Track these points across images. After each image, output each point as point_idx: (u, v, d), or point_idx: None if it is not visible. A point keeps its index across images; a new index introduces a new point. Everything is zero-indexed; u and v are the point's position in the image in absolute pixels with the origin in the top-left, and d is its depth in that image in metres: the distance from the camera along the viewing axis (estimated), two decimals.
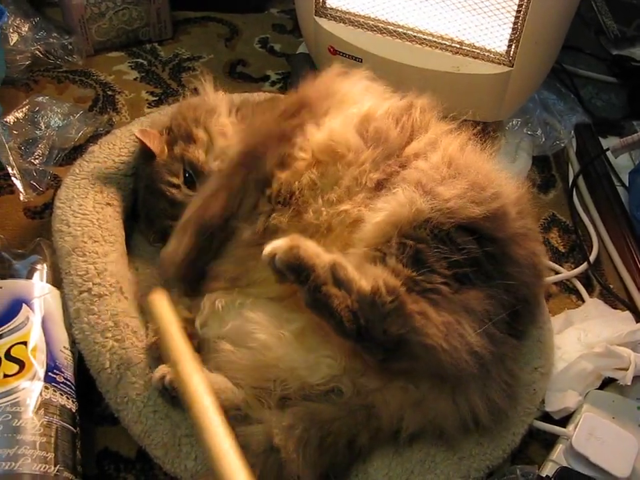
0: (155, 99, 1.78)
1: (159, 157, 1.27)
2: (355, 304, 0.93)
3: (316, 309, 0.95)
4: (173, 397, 1.01)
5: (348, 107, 1.18)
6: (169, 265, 1.12)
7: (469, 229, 1.01)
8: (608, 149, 1.75)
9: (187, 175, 1.24)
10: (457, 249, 0.99)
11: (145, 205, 1.30)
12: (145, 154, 1.30)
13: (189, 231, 1.12)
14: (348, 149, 1.12)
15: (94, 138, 1.58)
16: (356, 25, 1.61)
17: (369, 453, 1.01)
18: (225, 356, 1.07)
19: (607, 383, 1.25)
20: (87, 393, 1.09)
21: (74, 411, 1.03)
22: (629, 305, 1.46)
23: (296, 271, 0.94)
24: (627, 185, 1.72)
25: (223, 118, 1.30)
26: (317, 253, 0.96)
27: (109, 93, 1.78)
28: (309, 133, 1.15)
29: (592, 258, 1.56)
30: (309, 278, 0.94)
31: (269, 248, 0.95)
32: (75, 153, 1.55)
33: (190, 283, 1.16)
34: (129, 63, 1.89)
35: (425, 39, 1.56)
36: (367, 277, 0.96)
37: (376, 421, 1.00)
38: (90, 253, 1.16)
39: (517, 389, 1.08)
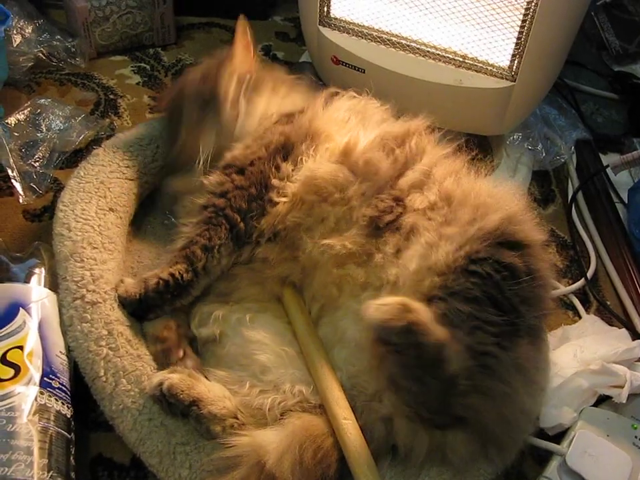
0: (156, 103, 1.77)
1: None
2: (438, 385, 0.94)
3: (405, 382, 0.95)
4: (169, 404, 1.01)
5: (328, 142, 1.18)
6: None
7: (503, 242, 1.01)
8: (608, 166, 1.76)
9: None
10: (502, 270, 0.99)
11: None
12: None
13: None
14: (334, 186, 1.13)
15: (95, 142, 1.58)
16: (359, 36, 1.61)
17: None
18: (221, 378, 1.08)
19: (602, 400, 1.25)
20: (82, 399, 1.09)
21: (69, 416, 1.02)
22: (626, 323, 1.46)
23: (404, 345, 0.92)
24: (626, 202, 1.73)
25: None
26: (430, 321, 0.93)
27: (111, 96, 1.78)
28: (287, 174, 1.16)
29: (589, 274, 1.57)
30: (417, 357, 0.92)
31: (372, 309, 0.92)
32: (75, 156, 1.55)
33: None
34: (131, 67, 1.89)
35: (428, 51, 1.56)
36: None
37: (376, 444, 1.01)
38: (88, 259, 1.15)
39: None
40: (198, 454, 1.01)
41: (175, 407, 1.01)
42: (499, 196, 1.09)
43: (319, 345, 1.11)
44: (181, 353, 1.12)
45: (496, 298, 0.98)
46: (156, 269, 1.14)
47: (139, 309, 1.13)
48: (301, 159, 1.17)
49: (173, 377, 1.03)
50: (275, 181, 1.16)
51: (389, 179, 1.13)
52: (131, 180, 1.34)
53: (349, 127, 1.21)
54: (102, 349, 1.06)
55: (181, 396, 1.00)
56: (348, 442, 0.99)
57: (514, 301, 0.99)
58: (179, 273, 1.11)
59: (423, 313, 0.93)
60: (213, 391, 1.04)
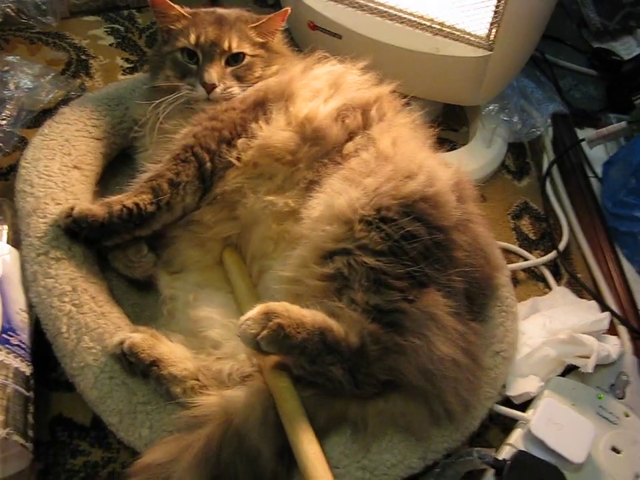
0: (130, 65, 1.75)
1: (255, 30, 1.28)
2: (348, 362, 0.95)
3: (312, 378, 0.96)
4: (130, 363, 1.00)
5: (297, 107, 1.18)
6: None
7: (414, 217, 1.01)
8: (583, 140, 1.76)
9: (241, 57, 1.26)
10: (407, 237, 1.00)
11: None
12: (253, 16, 1.31)
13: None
14: (286, 151, 1.14)
15: (64, 102, 1.54)
16: (336, 1, 1.59)
17: (326, 432, 1.00)
18: (181, 341, 1.08)
19: (569, 370, 1.26)
20: (43, 358, 1.08)
21: (28, 374, 1.01)
22: (595, 295, 1.47)
23: (286, 349, 0.94)
24: (601, 176, 1.73)
25: None
26: (300, 320, 0.94)
27: (83, 57, 1.74)
28: (253, 133, 1.17)
29: (561, 247, 1.57)
30: (302, 354, 0.94)
31: (242, 327, 0.93)
32: (44, 115, 1.51)
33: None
34: (105, 28, 1.85)
35: (405, 18, 1.54)
36: (348, 327, 0.96)
37: (340, 408, 1.00)
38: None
39: (482, 377, 1.09)
40: (159, 414, 1.00)
41: (135, 367, 1.00)
42: (429, 169, 1.08)
43: None
44: (145, 251, 1.15)
45: (400, 253, 1.00)
46: (120, 195, 1.13)
47: (98, 233, 1.10)
48: (272, 117, 1.18)
49: (135, 336, 1.02)
50: (240, 141, 1.17)
51: (336, 143, 1.15)
52: (98, 139, 1.31)
53: (318, 97, 1.21)
54: (65, 305, 1.05)
55: (142, 355, 0.99)
56: (285, 407, 0.97)
57: (418, 258, 1.01)
58: (143, 203, 1.11)
59: (289, 310, 0.94)
60: (175, 352, 1.03)
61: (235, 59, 1.25)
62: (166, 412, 1.00)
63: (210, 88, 1.21)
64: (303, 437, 0.93)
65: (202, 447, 0.91)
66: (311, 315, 0.96)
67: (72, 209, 1.09)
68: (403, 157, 1.10)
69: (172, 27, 1.27)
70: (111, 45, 1.80)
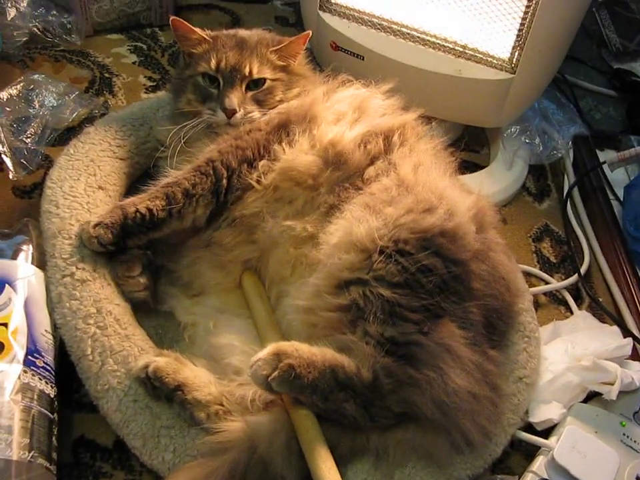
0: (152, 84, 1.76)
1: (276, 53, 1.28)
2: (362, 397, 0.95)
3: (327, 414, 0.97)
4: (154, 387, 1.00)
5: (321, 130, 1.19)
6: None
7: (432, 251, 1.01)
8: (604, 162, 1.75)
9: (262, 82, 1.26)
10: (424, 271, 1.00)
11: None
12: (275, 39, 1.31)
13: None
14: (308, 175, 1.14)
15: (88, 120, 1.56)
16: (359, 22, 1.60)
17: (349, 460, 1.00)
18: (204, 365, 1.09)
19: (592, 397, 1.25)
20: (66, 379, 1.08)
21: (52, 396, 1.01)
22: (617, 320, 1.46)
23: (297, 389, 0.94)
24: (622, 199, 1.72)
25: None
26: (310, 359, 0.95)
27: (106, 75, 1.75)
28: (276, 156, 1.17)
29: (583, 270, 1.56)
30: (314, 393, 0.94)
31: (253, 367, 0.93)
32: (68, 133, 1.53)
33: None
34: (128, 46, 1.87)
35: (428, 40, 1.55)
36: (360, 361, 0.97)
37: (360, 439, 1.00)
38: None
39: (504, 406, 1.09)
40: (183, 438, 1.00)
41: (160, 391, 1.00)
42: (448, 201, 1.08)
43: (279, 336, 1.10)
44: (135, 272, 1.14)
45: (417, 286, 1.00)
46: (133, 197, 1.15)
47: (118, 235, 1.11)
48: (295, 140, 1.18)
49: (159, 360, 1.02)
50: (262, 162, 1.17)
51: (357, 168, 1.16)
52: (122, 159, 1.32)
53: (342, 121, 1.21)
54: (90, 327, 1.05)
55: (166, 379, 1.00)
56: (305, 436, 0.97)
57: (434, 291, 1.01)
58: (156, 209, 1.12)
59: (298, 350, 0.95)
60: (199, 377, 1.03)
61: (255, 83, 1.25)
62: (189, 436, 1.00)
63: (230, 113, 1.21)
64: (323, 465, 0.92)
65: (226, 474, 0.92)
66: (321, 353, 0.96)
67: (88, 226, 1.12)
68: (424, 186, 1.09)
69: (193, 50, 1.28)
70: (134, 63, 1.82)
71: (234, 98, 1.22)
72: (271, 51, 1.27)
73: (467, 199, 1.12)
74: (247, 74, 1.24)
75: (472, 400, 0.98)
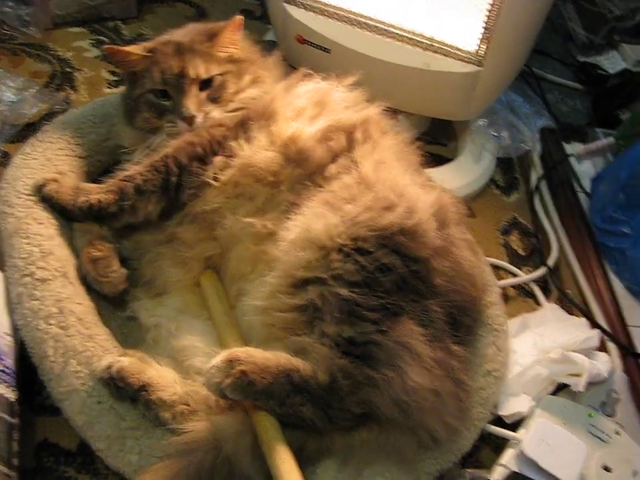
0: (115, 78, 1.73)
1: (217, 47, 1.25)
2: (319, 400, 0.94)
3: (285, 419, 0.95)
4: (118, 388, 0.98)
5: (279, 126, 1.17)
6: None
7: (391, 249, 1.00)
8: (572, 155, 1.76)
9: (211, 79, 1.23)
10: (383, 269, 0.99)
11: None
12: (209, 33, 1.27)
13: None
14: (269, 172, 1.13)
15: (49, 116, 1.53)
16: (326, 15, 1.59)
17: (317, 460, 1.00)
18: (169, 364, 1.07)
19: (560, 389, 1.25)
20: (28, 382, 1.05)
21: (13, 400, 0.98)
22: (585, 312, 1.46)
23: (252, 395, 0.93)
24: (589, 191, 1.73)
25: (267, 80, 1.31)
26: (264, 364, 0.93)
27: (67, 69, 1.72)
28: (233, 152, 1.16)
29: (550, 262, 1.57)
30: (269, 398, 0.93)
31: (207, 375, 0.93)
32: (27, 130, 1.49)
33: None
34: (90, 40, 1.83)
35: (395, 33, 1.54)
36: (317, 363, 0.96)
37: (325, 441, 0.99)
38: (34, 235, 1.11)
39: (470, 401, 1.07)
40: (148, 439, 0.98)
41: (124, 392, 0.98)
42: (409, 199, 1.07)
43: (237, 338, 1.09)
44: (115, 266, 1.13)
45: (375, 285, 0.99)
46: (100, 185, 1.16)
47: (63, 214, 1.15)
48: (253, 136, 1.17)
49: (123, 360, 1.00)
50: (218, 159, 1.15)
51: (319, 165, 1.14)
52: (82, 158, 1.29)
53: (302, 116, 1.20)
54: (51, 328, 1.03)
55: (130, 380, 0.98)
56: (264, 436, 0.95)
57: (393, 289, 0.99)
58: (107, 202, 1.12)
59: (252, 356, 0.94)
60: (164, 377, 1.01)
61: (206, 83, 1.23)
62: (155, 437, 0.98)
63: (190, 121, 1.19)
64: (282, 466, 0.90)
65: (192, 474, 0.90)
66: (275, 358, 0.95)
67: (43, 185, 1.15)
68: (384, 184, 1.08)
69: (135, 70, 1.25)
70: (96, 57, 1.78)
71: (190, 105, 1.19)
72: (209, 46, 1.24)
73: (429, 195, 1.10)
74: (194, 77, 1.21)
75: (434, 397, 0.97)
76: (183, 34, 1.29)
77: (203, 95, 1.22)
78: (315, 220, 1.04)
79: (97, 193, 1.13)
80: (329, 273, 0.99)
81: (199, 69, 1.21)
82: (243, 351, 0.95)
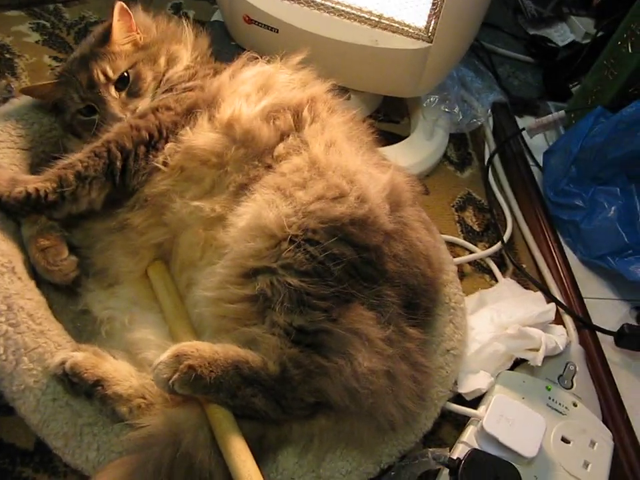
0: (58, 64, 1.67)
1: (114, 43, 1.22)
2: (271, 390, 0.93)
3: (238, 411, 0.94)
4: (73, 383, 0.96)
5: (221, 111, 1.15)
6: None
7: (340, 239, 1.00)
8: (524, 129, 1.77)
9: (124, 76, 1.21)
10: (333, 259, 0.99)
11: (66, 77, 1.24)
12: (103, 32, 1.24)
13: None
14: (212, 153, 1.11)
15: None
16: None
17: (279, 448, 0.99)
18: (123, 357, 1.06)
19: (518, 364, 1.27)
20: None
21: None
22: (540, 285, 1.48)
23: (201, 390, 0.92)
24: (542, 165, 1.74)
25: (184, 54, 1.28)
26: (212, 357, 0.92)
27: (7, 55, 1.66)
28: (183, 137, 1.14)
29: (506, 237, 1.58)
30: (219, 391, 0.92)
31: (155, 371, 0.91)
32: None
33: None
34: (29, 24, 1.77)
35: (343, 10, 1.52)
36: (267, 354, 0.95)
37: (283, 430, 0.99)
38: None
39: (428, 381, 1.08)
40: (106, 435, 0.96)
41: (79, 387, 0.96)
42: (360, 186, 1.05)
43: (188, 330, 1.08)
44: (65, 254, 1.10)
45: (325, 274, 0.98)
46: (35, 176, 1.12)
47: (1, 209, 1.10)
48: (198, 123, 1.15)
49: (77, 355, 0.97)
50: (169, 145, 1.13)
51: (266, 145, 1.12)
52: (25, 150, 1.24)
53: (247, 100, 1.18)
54: (1, 325, 0.99)
55: (85, 375, 0.95)
56: (218, 429, 0.94)
57: (343, 277, 0.99)
58: (45, 191, 1.08)
59: (199, 350, 0.93)
60: (119, 370, 0.99)
61: (121, 82, 1.21)
62: (113, 432, 0.96)
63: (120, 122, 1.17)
64: (237, 458, 0.90)
65: (151, 470, 0.88)
66: (224, 351, 0.94)
67: None
68: (335, 170, 1.06)
69: (56, 99, 1.24)
70: (37, 42, 1.72)
71: (114, 109, 1.19)
72: (107, 45, 1.22)
73: (380, 179, 1.09)
74: (104, 81, 1.19)
75: (387, 381, 0.97)
76: (82, 44, 1.27)
77: (123, 94, 1.21)
78: (266, 208, 1.02)
79: (34, 182, 1.09)
80: (279, 262, 0.99)
81: (106, 71, 1.20)
82: (190, 345, 0.94)
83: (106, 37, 1.23)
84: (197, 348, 0.93)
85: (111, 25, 1.22)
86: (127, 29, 1.24)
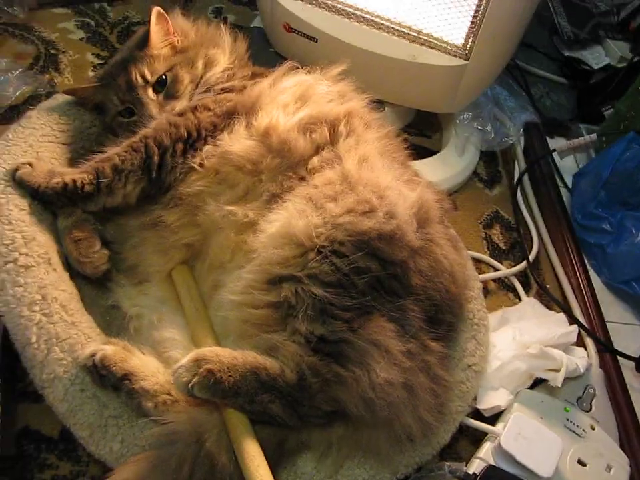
0: (101, 62, 1.71)
1: (152, 47, 1.25)
2: (288, 397, 0.95)
3: (255, 416, 0.96)
4: (101, 376, 0.98)
5: (259, 120, 1.17)
6: None
7: (367, 253, 1.01)
8: (555, 150, 1.77)
9: (162, 78, 1.24)
10: (358, 272, 1.00)
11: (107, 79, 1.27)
12: (141, 36, 1.28)
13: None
14: (247, 160, 1.13)
15: (33, 98, 1.51)
16: (313, 4, 1.58)
17: (299, 451, 1.01)
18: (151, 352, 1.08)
19: (538, 383, 1.27)
20: (10, 368, 1.05)
21: None
22: (563, 307, 1.49)
23: (220, 394, 0.93)
24: (570, 187, 1.75)
25: (221, 58, 1.31)
26: (231, 362, 0.94)
27: (52, 51, 1.69)
28: (220, 142, 1.16)
29: (531, 257, 1.58)
30: (237, 396, 0.94)
31: (175, 374, 0.93)
32: (11, 112, 1.48)
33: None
34: (75, 21, 1.81)
35: (382, 24, 1.54)
36: (285, 361, 0.97)
37: (304, 436, 1.00)
38: (16, 221, 1.09)
39: (447, 395, 1.08)
40: (131, 428, 0.98)
41: (107, 380, 0.98)
42: (389, 202, 1.06)
43: (209, 334, 1.10)
44: (97, 246, 1.13)
45: (350, 286, 1.00)
46: (73, 168, 1.15)
47: (36, 197, 1.13)
48: (235, 129, 1.17)
49: (107, 349, 1.00)
50: (207, 147, 1.16)
51: (301, 157, 1.14)
52: (65, 144, 1.27)
53: (285, 110, 1.19)
54: (35, 315, 1.02)
55: (114, 368, 0.98)
56: (233, 433, 0.96)
57: (367, 290, 1.00)
58: (82, 181, 1.11)
59: (219, 355, 0.95)
60: (147, 366, 1.01)
61: (159, 84, 1.24)
62: (138, 426, 0.98)
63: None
64: (250, 463, 0.91)
65: (173, 467, 0.90)
66: (243, 356, 0.96)
67: (16, 169, 1.12)
68: (366, 185, 1.07)
69: (97, 101, 1.28)
70: (81, 39, 1.76)
71: (151, 110, 1.22)
72: (146, 49, 1.25)
73: (410, 196, 1.10)
74: (142, 83, 1.23)
75: (405, 393, 0.98)
76: (123, 49, 1.31)
77: (160, 96, 1.24)
78: (296, 217, 1.04)
79: (71, 174, 1.12)
80: (305, 271, 1.00)
81: (144, 73, 1.23)
82: (210, 350, 0.96)
83: (144, 40, 1.26)
84: (217, 353, 0.95)
85: (149, 30, 1.25)
86: (164, 33, 1.27)
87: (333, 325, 0.98)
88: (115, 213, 1.18)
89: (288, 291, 1.00)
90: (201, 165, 1.14)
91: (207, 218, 1.13)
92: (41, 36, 1.72)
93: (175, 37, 1.29)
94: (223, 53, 1.32)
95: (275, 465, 0.95)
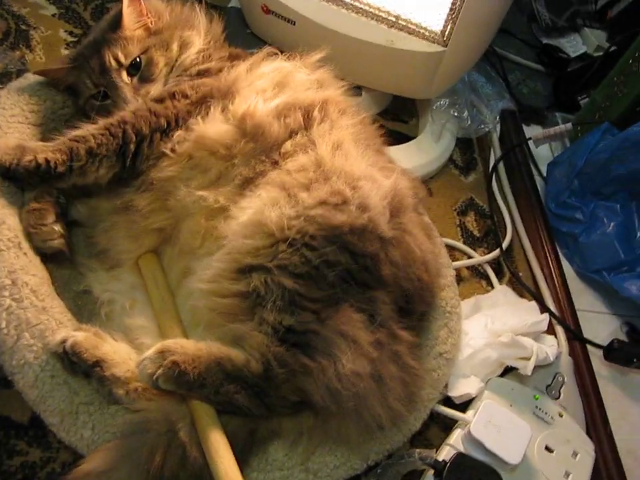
0: (74, 39, 1.67)
1: (125, 29, 1.22)
2: (254, 388, 0.95)
3: (221, 407, 0.96)
4: (72, 362, 0.97)
5: (235, 105, 1.16)
6: None
7: (338, 247, 1.00)
8: (530, 138, 1.78)
9: (136, 61, 1.21)
10: (328, 264, 1.00)
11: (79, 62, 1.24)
12: (114, 18, 1.24)
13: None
14: (221, 145, 1.12)
15: (3, 75, 1.47)
16: None
17: (271, 439, 1.01)
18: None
19: (508, 371, 1.29)
20: None
21: None
22: (535, 295, 1.50)
23: (185, 385, 0.93)
24: (545, 176, 1.76)
25: (197, 39, 1.28)
26: (195, 354, 0.94)
27: (23, 27, 1.65)
28: (191, 127, 1.14)
29: (504, 245, 1.60)
30: (202, 387, 0.93)
31: (140, 366, 0.92)
32: None
33: None
34: None
35: (361, 8, 1.53)
36: (251, 351, 0.96)
37: (274, 425, 1.00)
38: None
39: (418, 384, 1.09)
40: (102, 415, 0.97)
41: (78, 367, 0.97)
42: (362, 193, 1.05)
43: (176, 324, 1.10)
44: (49, 219, 1.10)
45: (319, 278, 1.00)
46: (44, 143, 1.12)
47: (6, 176, 1.10)
48: (211, 113, 1.16)
49: (78, 335, 0.98)
50: (178, 132, 1.14)
51: (275, 141, 1.13)
52: (36, 125, 1.24)
53: (263, 95, 1.18)
54: (4, 300, 1.00)
55: (84, 355, 0.96)
56: (199, 424, 0.96)
57: (336, 282, 1.00)
58: (55, 162, 1.08)
59: (183, 347, 0.95)
60: (118, 352, 1.00)
61: (133, 67, 1.21)
62: (109, 413, 0.97)
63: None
64: (215, 454, 0.92)
65: (145, 456, 0.90)
66: (207, 348, 0.96)
67: None
68: (340, 175, 1.07)
69: (69, 83, 1.25)
70: (53, 15, 1.72)
71: (126, 94, 1.19)
72: (119, 31, 1.22)
73: (384, 185, 1.09)
74: (116, 66, 1.20)
75: (373, 383, 0.98)
76: (95, 30, 1.27)
77: (135, 79, 1.21)
78: (269, 206, 1.03)
79: (43, 152, 1.08)
80: (275, 262, 0.99)
81: (117, 57, 1.19)
82: (175, 342, 0.96)
83: (117, 22, 1.22)
84: (181, 345, 0.95)
85: (121, 10, 1.22)
86: (137, 14, 1.24)
87: (302, 315, 0.98)
88: (87, 194, 1.17)
89: (257, 280, 0.99)
90: (172, 150, 1.13)
91: (177, 203, 1.12)
92: (10, 10, 1.67)
93: (149, 18, 1.25)
94: (198, 35, 1.29)
95: (246, 453, 0.96)
